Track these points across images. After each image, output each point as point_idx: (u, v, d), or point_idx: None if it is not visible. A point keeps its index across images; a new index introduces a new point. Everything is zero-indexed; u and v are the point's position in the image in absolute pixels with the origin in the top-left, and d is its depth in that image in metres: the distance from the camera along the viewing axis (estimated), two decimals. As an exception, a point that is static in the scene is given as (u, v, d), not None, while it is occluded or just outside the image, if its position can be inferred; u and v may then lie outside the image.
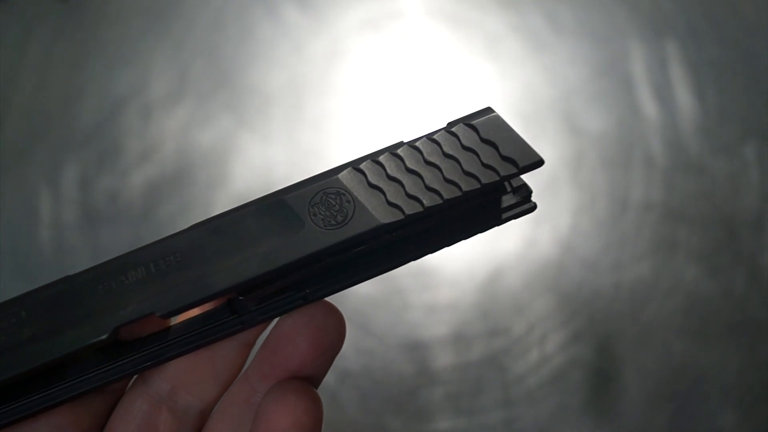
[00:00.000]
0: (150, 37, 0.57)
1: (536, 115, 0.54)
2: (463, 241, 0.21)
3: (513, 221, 0.21)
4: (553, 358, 0.48)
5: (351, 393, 0.46)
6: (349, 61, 0.56)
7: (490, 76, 0.56)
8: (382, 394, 0.48)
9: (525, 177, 0.21)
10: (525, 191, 0.21)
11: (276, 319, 0.21)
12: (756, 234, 0.51)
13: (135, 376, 0.22)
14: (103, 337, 0.19)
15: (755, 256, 0.50)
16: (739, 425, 0.47)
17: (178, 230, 0.20)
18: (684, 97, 0.54)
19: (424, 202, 0.19)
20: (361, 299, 0.51)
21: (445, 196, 0.19)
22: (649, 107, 0.54)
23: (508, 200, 0.21)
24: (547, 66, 0.56)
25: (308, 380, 0.21)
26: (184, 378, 0.22)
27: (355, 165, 0.20)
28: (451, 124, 0.20)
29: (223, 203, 0.53)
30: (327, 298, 0.21)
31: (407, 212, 0.19)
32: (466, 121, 0.20)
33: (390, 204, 0.19)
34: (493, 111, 0.20)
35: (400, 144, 0.20)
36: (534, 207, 0.21)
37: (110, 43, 0.58)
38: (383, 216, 0.19)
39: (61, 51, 0.57)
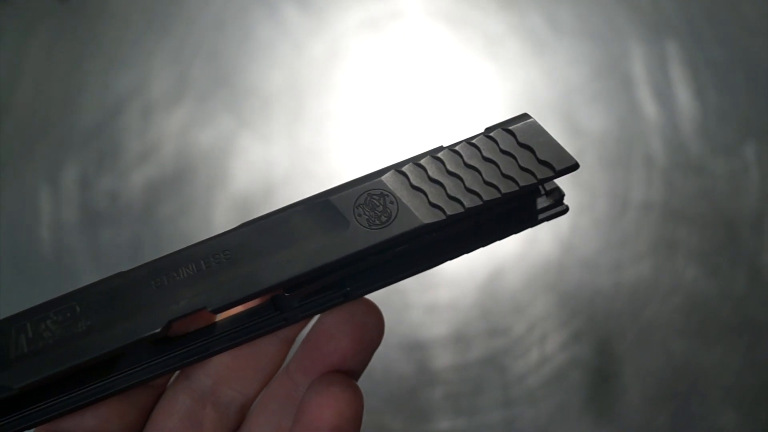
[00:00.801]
0: (150, 37, 0.57)
1: (536, 115, 0.53)
2: (498, 242, 0.22)
3: (545, 223, 0.22)
4: (553, 358, 0.48)
5: (351, 393, 0.46)
6: (349, 61, 0.56)
7: (490, 76, 0.56)
8: (382, 394, 0.48)
9: (557, 181, 0.21)
10: (558, 194, 0.22)
11: (317, 316, 0.22)
12: (756, 234, 0.51)
13: (178, 372, 0.23)
14: (157, 330, 0.19)
15: (755, 256, 0.50)
16: (739, 425, 0.47)
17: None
18: (684, 97, 0.54)
19: (465, 203, 0.20)
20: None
21: (485, 197, 0.20)
22: (649, 107, 0.54)
23: (541, 203, 0.22)
24: (547, 66, 0.56)
25: (349, 375, 0.22)
26: (226, 373, 0.22)
27: (397, 168, 0.20)
28: (489, 129, 0.21)
29: (223, 203, 0.53)
30: (366, 296, 0.22)
31: (448, 213, 0.20)
32: (504, 126, 0.21)
33: (432, 205, 0.20)
34: (530, 117, 0.21)
35: (440, 148, 0.21)
36: (566, 209, 0.22)
37: (110, 43, 0.58)
38: (425, 216, 0.20)
39: (61, 51, 0.57)
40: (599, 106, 0.54)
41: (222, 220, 0.52)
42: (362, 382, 0.22)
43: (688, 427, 0.47)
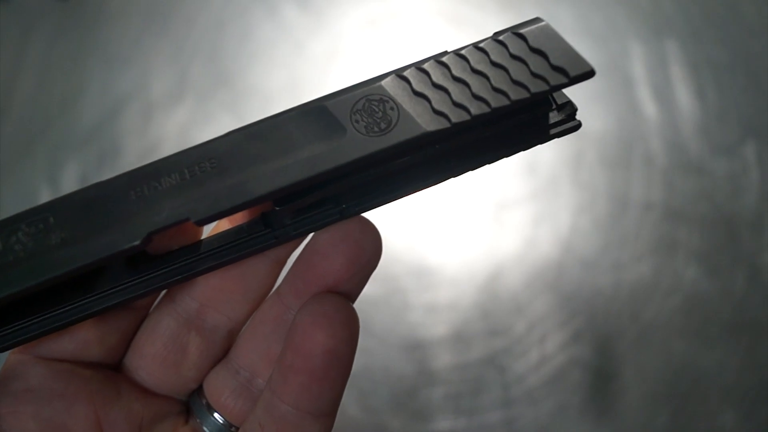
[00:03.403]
0: (150, 37, 0.57)
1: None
2: (505, 159, 0.20)
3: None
4: (553, 358, 0.48)
5: (351, 393, 0.46)
6: (350, 61, 0.56)
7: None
8: (382, 394, 0.48)
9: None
10: (570, 108, 0.20)
11: (310, 235, 0.20)
12: (756, 234, 0.51)
13: (162, 294, 0.21)
14: (136, 243, 0.18)
15: (755, 256, 0.50)
16: (739, 425, 0.47)
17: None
18: (684, 97, 0.54)
19: (471, 110, 0.18)
20: (361, 299, 0.51)
21: (493, 104, 0.18)
22: (649, 107, 0.54)
23: (553, 117, 0.20)
24: (547, 66, 0.56)
25: (344, 296, 0.20)
26: (213, 296, 0.21)
27: (398, 72, 0.19)
28: (498, 34, 0.19)
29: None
30: (363, 214, 0.20)
31: (453, 120, 0.18)
32: (515, 30, 0.19)
33: (436, 112, 0.18)
34: (542, 20, 0.19)
35: (445, 53, 0.19)
36: (579, 125, 0.20)
37: (110, 43, 0.58)
38: (428, 124, 0.18)
39: (61, 51, 0.57)
40: (599, 106, 0.54)
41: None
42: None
43: (688, 427, 0.47)
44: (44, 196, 0.53)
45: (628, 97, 0.55)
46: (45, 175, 0.54)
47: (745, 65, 0.55)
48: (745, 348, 0.49)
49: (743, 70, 0.55)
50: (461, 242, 0.51)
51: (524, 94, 0.18)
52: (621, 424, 0.47)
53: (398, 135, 0.18)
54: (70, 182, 0.53)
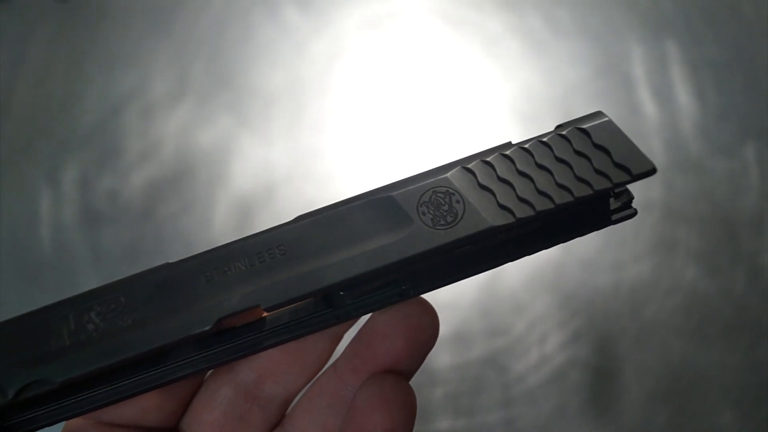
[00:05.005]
0: (150, 37, 0.57)
1: (536, 115, 0.54)
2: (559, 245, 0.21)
3: None
4: (553, 358, 0.48)
5: (351, 393, 0.46)
6: (350, 62, 0.56)
7: (490, 76, 0.56)
8: (382, 394, 0.48)
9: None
10: (627, 197, 0.21)
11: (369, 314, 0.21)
12: (756, 234, 0.51)
13: None
14: (206, 328, 0.18)
15: (755, 256, 0.50)
16: (739, 425, 0.47)
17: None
18: (684, 97, 0.54)
19: (536, 206, 0.19)
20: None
21: (557, 201, 0.19)
22: (649, 107, 0.54)
23: (610, 204, 0.21)
24: (547, 66, 0.56)
25: (401, 375, 0.21)
26: (271, 368, 0.22)
27: (464, 164, 0.19)
28: (561, 127, 0.20)
29: (223, 203, 0.53)
30: (423, 296, 0.21)
31: (518, 215, 0.19)
32: (578, 124, 0.20)
33: (501, 206, 0.19)
34: (605, 116, 0.20)
35: (509, 145, 0.20)
36: (635, 213, 0.21)
37: (110, 43, 0.58)
38: (494, 218, 0.19)
39: (61, 51, 0.57)
40: (599, 106, 0.54)
41: (222, 220, 0.52)
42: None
43: (688, 427, 0.47)
44: (44, 196, 0.53)
45: (628, 97, 0.55)
46: (45, 175, 0.54)
47: (745, 65, 0.55)
48: (745, 348, 0.49)
49: (743, 70, 0.55)
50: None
51: (587, 191, 0.19)
52: (621, 424, 0.47)
53: (464, 229, 0.19)
54: (70, 182, 0.54)
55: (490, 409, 0.48)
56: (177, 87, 0.56)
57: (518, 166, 0.19)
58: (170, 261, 0.19)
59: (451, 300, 0.50)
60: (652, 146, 0.53)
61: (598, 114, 0.20)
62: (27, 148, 0.55)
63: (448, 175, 0.19)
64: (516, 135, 0.54)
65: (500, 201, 0.19)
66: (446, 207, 0.19)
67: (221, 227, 0.51)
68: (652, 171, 0.19)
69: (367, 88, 0.56)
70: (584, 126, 0.19)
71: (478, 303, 0.50)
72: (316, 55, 0.57)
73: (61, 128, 0.55)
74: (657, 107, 0.54)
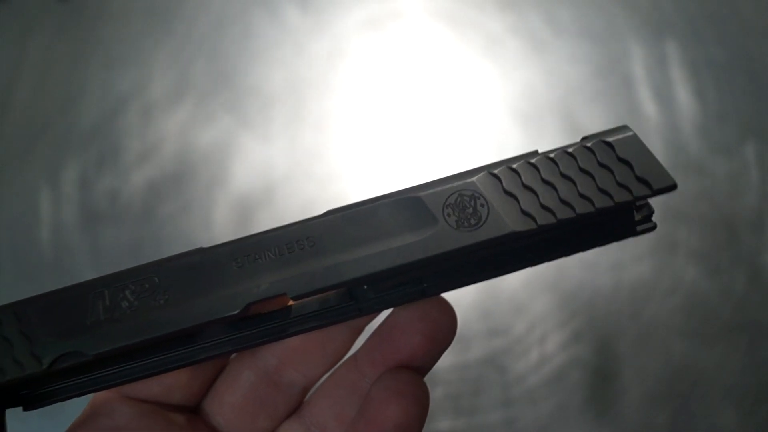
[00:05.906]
0: (150, 37, 0.57)
1: (536, 115, 0.54)
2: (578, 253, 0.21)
3: None
4: (553, 358, 0.48)
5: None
6: (350, 61, 0.56)
7: (490, 76, 0.56)
8: (382, 394, 0.48)
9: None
10: (647, 210, 0.21)
11: (390, 309, 0.22)
12: (756, 234, 0.51)
13: None
14: (235, 312, 0.19)
15: (755, 256, 0.50)
16: (739, 425, 0.47)
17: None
18: (684, 97, 0.54)
19: (558, 214, 0.19)
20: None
21: (578, 210, 0.19)
22: (649, 107, 0.54)
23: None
24: (547, 66, 0.56)
25: (417, 371, 0.22)
26: (293, 355, 0.22)
27: (490, 170, 0.20)
28: (586, 139, 0.20)
29: (223, 203, 0.53)
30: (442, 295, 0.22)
31: (540, 222, 0.19)
32: (603, 137, 0.20)
33: (524, 213, 0.20)
34: (629, 130, 0.21)
35: (535, 153, 0.20)
36: (655, 227, 0.21)
37: (110, 43, 0.58)
38: (516, 224, 0.20)
39: (61, 51, 0.57)
40: (599, 106, 0.54)
41: (222, 220, 0.52)
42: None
43: (688, 427, 0.47)
44: (44, 196, 0.53)
45: (628, 97, 0.55)
46: (45, 175, 0.54)
47: (745, 65, 0.55)
48: (745, 348, 0.49)
49: (743, 70, 0.55)
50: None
51: (608, 203, 0.19)
52: (621, 424, 0.47)
53: (487, 232, 0.19)
54: (70, 182, 0.54)
55: (490, 409, 0.48)
56: (177, 87, 0.56)
57: (543, 174, 0.20)
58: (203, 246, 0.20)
59: (452, 300, 0.50)
60: (652, 146, 0.53)
61: (623, 128, 0.21)
62: (27, 148, 0.55)
63: (474, 179, 0.20)
64: (516, 135, 0.54)
65: (523, 207, 0.20)
66: (471, 210, 0.20)
67: (221, 227, 0.51)
68: (672, 187, 0.20)
69: (367, 88, 0.55)
70: (609, 139, 0.20)
71: (478, 303, 0.50)
72: (316, 55, 0.57)
73: (61, 128, 0.55)
74: (657, 107, 0.54)
